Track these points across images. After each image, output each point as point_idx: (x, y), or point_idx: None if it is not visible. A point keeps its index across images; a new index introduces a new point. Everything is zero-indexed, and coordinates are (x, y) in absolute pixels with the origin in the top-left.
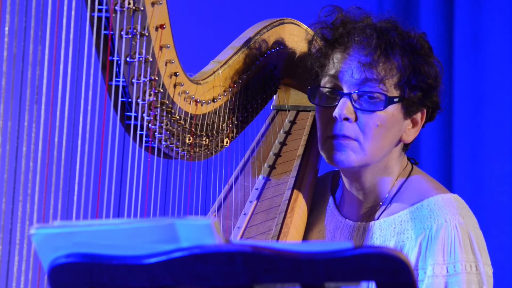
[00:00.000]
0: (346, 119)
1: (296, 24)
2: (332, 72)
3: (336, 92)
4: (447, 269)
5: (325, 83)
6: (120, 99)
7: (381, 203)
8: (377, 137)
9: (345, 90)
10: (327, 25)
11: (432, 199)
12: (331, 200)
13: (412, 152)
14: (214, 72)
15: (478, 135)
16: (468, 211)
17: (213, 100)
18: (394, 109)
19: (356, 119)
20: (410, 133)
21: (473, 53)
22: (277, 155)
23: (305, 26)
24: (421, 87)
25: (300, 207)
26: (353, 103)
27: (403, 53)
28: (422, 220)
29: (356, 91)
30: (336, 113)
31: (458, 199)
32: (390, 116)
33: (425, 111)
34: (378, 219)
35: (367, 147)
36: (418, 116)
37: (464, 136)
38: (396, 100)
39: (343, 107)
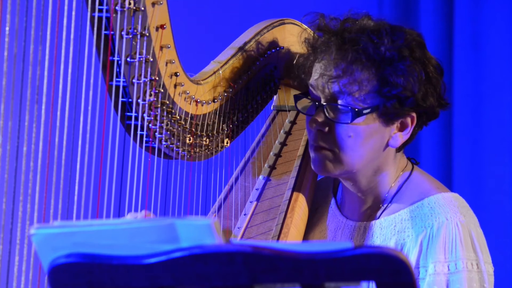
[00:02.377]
0: (319, 130)
1: (296, 24)
2: (311, 82)
3: (314, 102)
4: (448, 267)
5: (308, 91)
6: (120, 99)
7: (381, 203)
8: (353, 147)
9: (322, 101)
10: (316, 30)
11: (432, 197)
12: (332, 200)
13: (412, 152)
14: (214, 72)
15: (478, 135)
16: (468, 210)
17: (213, 100)
18: (368, 120)
19: (331, 130)
20: (398, 137)
21: (473, 52)
22: (278, 155)
23: (305, 27)
24: (395, 96)
25: (300, 207)
26: (327, 114)
27: (369, 66)
28: (423, 219)
29: (327, 103)
30: (309, 123)
31: (458, 198)
32: (364, 127)
33: (414, 115)
34: (378, 218)
35: (343, 158)
36: (408, 120)
37: (464, 136)
38: (366, 111)
39: (316, 118)
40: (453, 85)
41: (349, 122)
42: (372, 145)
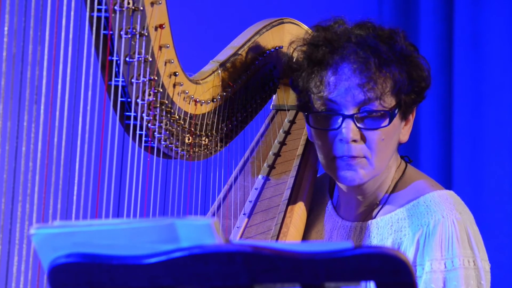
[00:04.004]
0: (354, 141)
1: (295, 24)
2: (328, 94)
3: (336, 115)
4: (445, 264)
5: (321, 105)
6: (119, 99)
7: (377, 202)
8: (383, 149)
9: (346, 112)
10: (308, 42)
11: (428, 195)
12: (328, 201)
13: (412, 152)
14: (213, 72)
15: (478, 135)
16: (464, 207)
17: (212, 100)
18: (394, 119)
19: (363, 138)
20: (405, 132)
21: (473, 52)
22: (277, 154)
23: (305, 26)
24: (415, 90)
25: (299, 207)
26: (357, 124)
27: (400, 66)
28: (419, 217)
29: (359, 112)
30: (342, 136)
31: (453, 195)
32: (392, 127)
33: (415, 107)
34: (374, 218)
35: (375, 161)
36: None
37: (464, 136)
38: (396, 111)
39: (349, 130)
40: (453, 85)
41: (388, 125)
42: (394, 143)
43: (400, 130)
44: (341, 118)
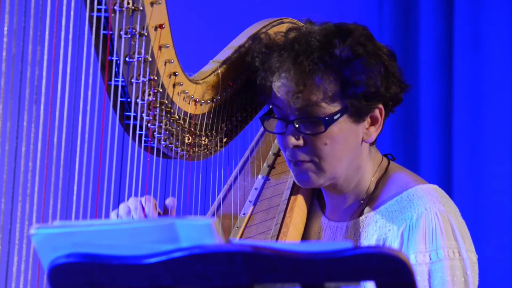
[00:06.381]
0: (296, 146)
1: (295, 24)
2: (273, 100)
3: (282, 120)
4: (429, 256)
5: (272, 110)
6: (119, 99)
7: (361, 201)
8: (331, 153)
9: (289, 117)
10: (264, 47)
11: (411, 190)
12: (316, 203)
13: (412, 152)
14: (213, 72)
15: (478, 135)
16: (448, 200)
17: (212, 100)
18: (340, 123)
19: (306, 143)
20: (371, 132)
21: (473, 52)
22: (277, 154)
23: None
24: (360, 94)
25: (299, 207)
26: (298, 129)
27: (328, 72)
28: (402, 212)
29: (296, 119)
30: (286, 142)
31: (437, 189)
32: (337, 132)
33: (381, 106)
34: (360, 216)
35: (325, 166)
36: (376, 113)
37: (464, 136)
38: (336, 117)
39: (290, 136)
40: (453, 85)
41: (324, 131)
42: (348, 146)
43: (360, 130)
44: (285, 123)
